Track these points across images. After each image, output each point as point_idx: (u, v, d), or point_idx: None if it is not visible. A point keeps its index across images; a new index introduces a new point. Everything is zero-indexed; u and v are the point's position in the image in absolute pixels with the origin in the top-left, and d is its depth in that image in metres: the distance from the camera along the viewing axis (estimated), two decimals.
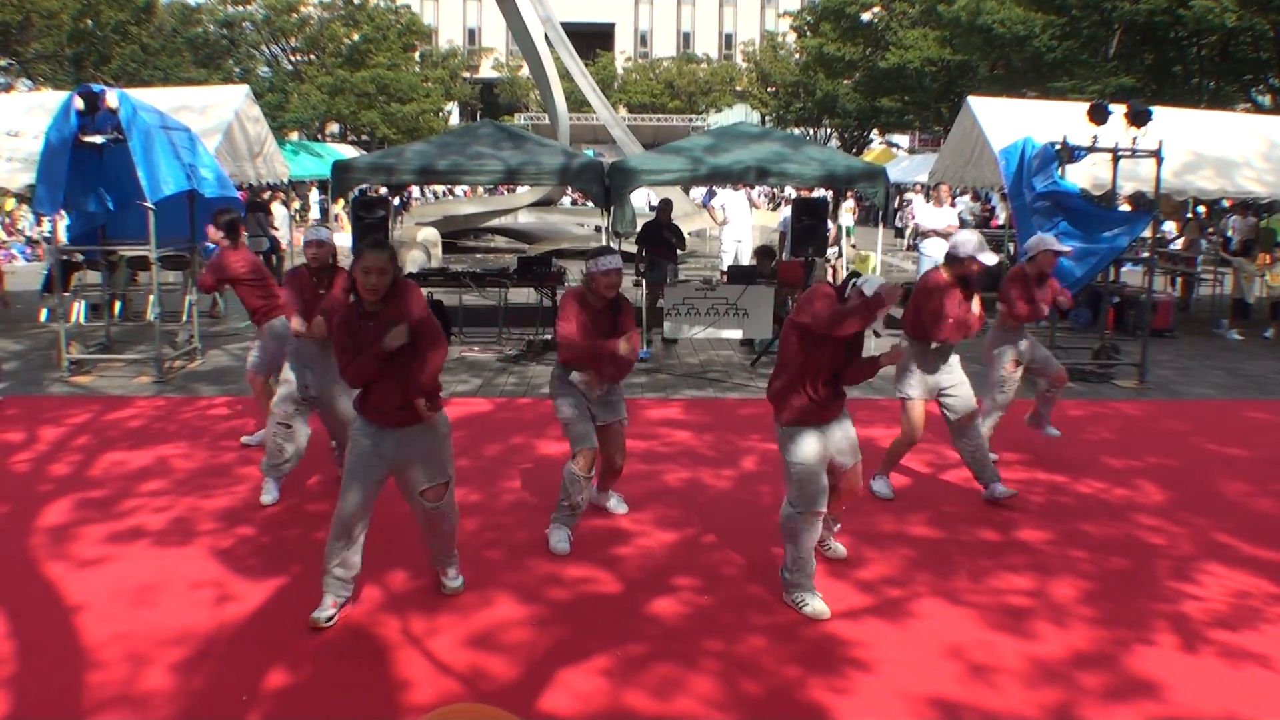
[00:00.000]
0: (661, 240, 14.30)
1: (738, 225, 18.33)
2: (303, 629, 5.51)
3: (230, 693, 4.87)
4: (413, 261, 16.63)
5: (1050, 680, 5.11)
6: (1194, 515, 7.60)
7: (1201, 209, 20.53)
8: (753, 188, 23.52)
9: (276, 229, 20.05)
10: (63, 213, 12.61)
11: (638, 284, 14.29)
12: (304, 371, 7.60)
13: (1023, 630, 5.67)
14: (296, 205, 23.29)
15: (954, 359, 7.69)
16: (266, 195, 22.20)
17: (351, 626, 5.58)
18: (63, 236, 13.53)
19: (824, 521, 6.33)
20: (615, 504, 7.53)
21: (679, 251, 14.97)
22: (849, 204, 23.57)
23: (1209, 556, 6.81)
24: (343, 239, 14.98)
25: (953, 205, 18.30)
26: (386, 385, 5.41)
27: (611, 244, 13.14)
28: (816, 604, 5.84)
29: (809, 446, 5.84)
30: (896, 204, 35.14)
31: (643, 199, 17.64)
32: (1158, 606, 6.01)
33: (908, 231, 26.71)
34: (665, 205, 15.32)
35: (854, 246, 18.24)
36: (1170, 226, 20.83)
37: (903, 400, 7.77)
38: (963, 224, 20.07)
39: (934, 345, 7.55)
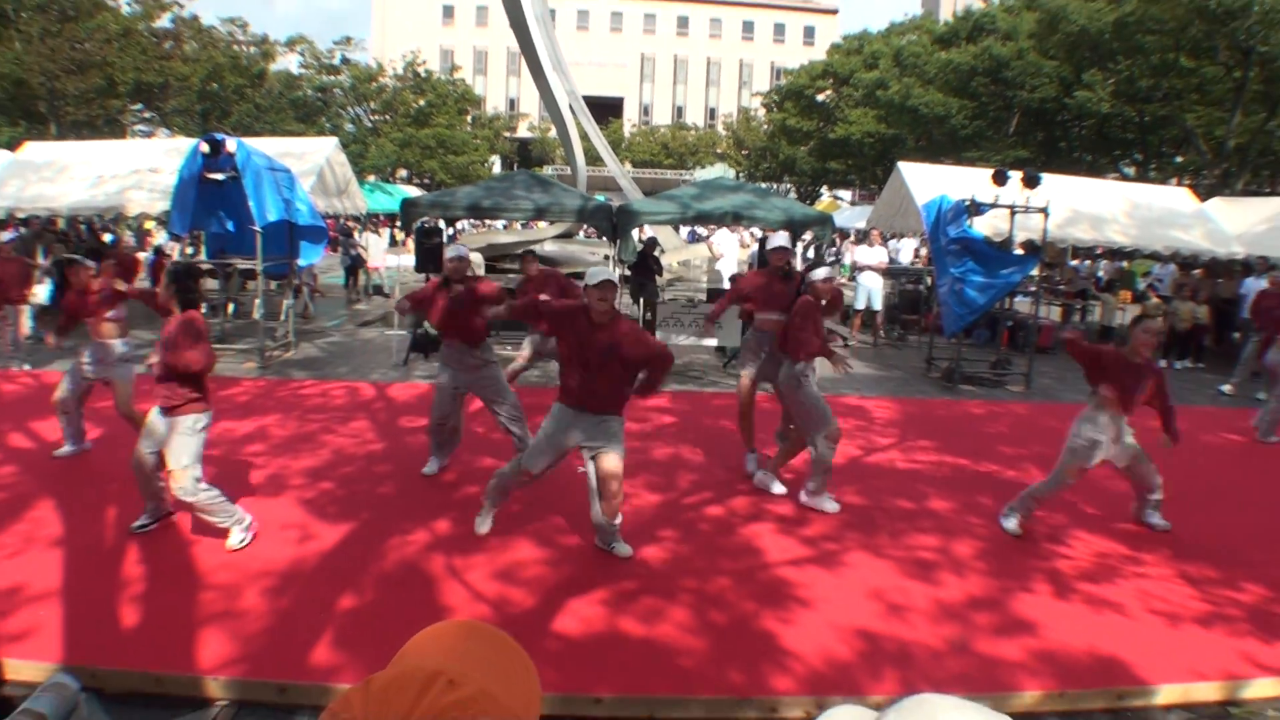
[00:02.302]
0: (646, 267, 14.45)
1: (730, 259, 18.73)
2: (369, 561, 5.52)
3: (310, 610, 4.87)
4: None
5: (951, 618, 5.12)
6: (1067, 492, 7.59)
7: (1099, 271, 20.49)
8: (743, 228, 23.52)
9: (362, 248, 20.11)
10: (200, 234, 12.67)
11: (635, 301, 14.35)
12: (448, 374, 7.27)
13: (930, 578, 5.67)
14: (387, 232, 23.39)
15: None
16: (354, 225, 22.29)
17: (406, 562, 5.58)
18: (189, 251, 13.52)
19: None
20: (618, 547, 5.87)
21: (659, 276, 15.11)
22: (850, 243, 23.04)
23: (1078, 525, 6.84)
24: (407, 259, 14.98)
25: (884, 246, 18.28)
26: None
27: (616, 270, 13.17)
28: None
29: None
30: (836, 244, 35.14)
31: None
32: (1036, 563, 6.02)
33: (848, 266, 26.67)
34: (650, 242, 15.48)
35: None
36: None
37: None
38: (891, 261, 20.09)
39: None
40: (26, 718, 2.96)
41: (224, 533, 5.80)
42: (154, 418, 5.76)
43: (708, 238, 30.16)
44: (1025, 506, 6.57)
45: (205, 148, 11.37)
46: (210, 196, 11.99)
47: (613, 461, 5.57)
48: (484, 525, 6.10)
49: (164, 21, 39.27)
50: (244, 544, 5.74)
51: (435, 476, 7.36)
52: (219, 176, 11.52)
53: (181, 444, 5.59)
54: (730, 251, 19.40)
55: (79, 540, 5.73)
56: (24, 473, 7.09)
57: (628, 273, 14.60)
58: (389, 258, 21.25)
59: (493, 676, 0.98)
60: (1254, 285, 14.36)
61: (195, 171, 11.43)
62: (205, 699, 4.14)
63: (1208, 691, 4.50)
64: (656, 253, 15.59)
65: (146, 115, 41.66)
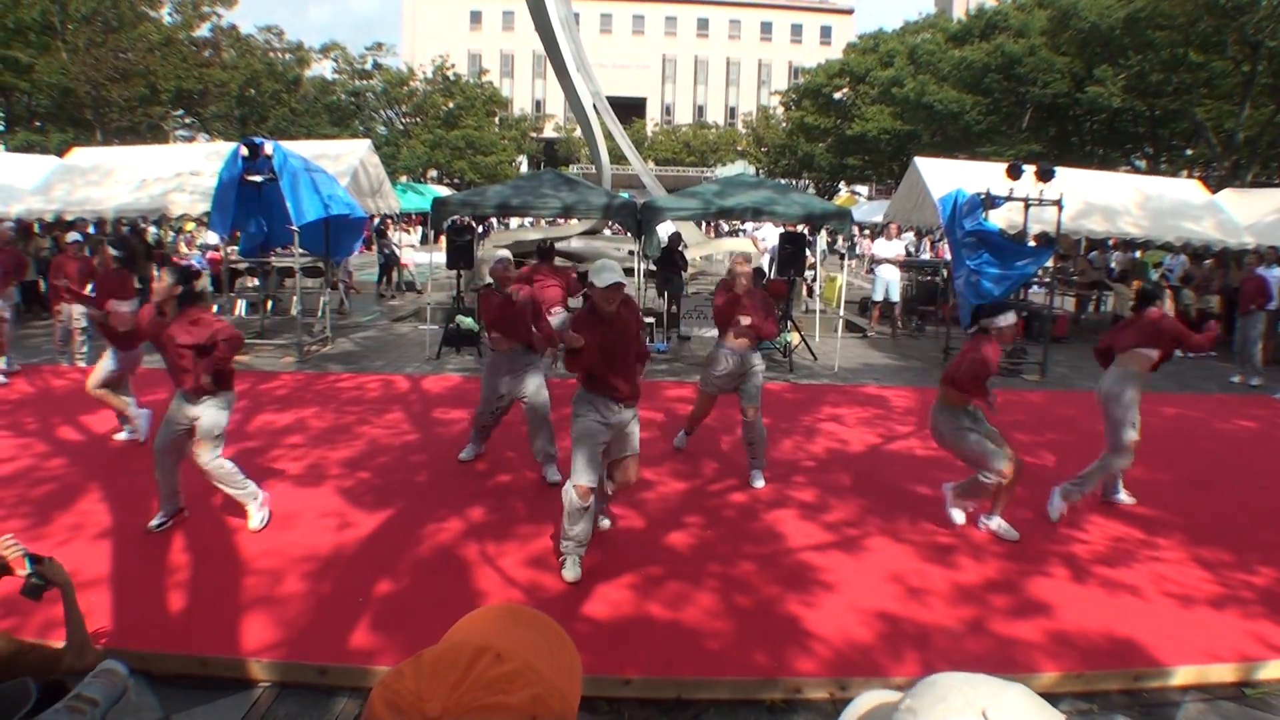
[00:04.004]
0: (672, 262, 14.42)
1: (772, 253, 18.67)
2: (406, 548, 5.54)
3: (349, 595, 4.89)
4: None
5: (968, 600, 5.08)
6: None
7: (1111, 262, 20.14)
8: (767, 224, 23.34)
9: (397, 246, 20.27)
10: (236, 234, 12.78)
11: (660, 295, 14.35)
12: (498, 381, 7.14)
13: (948, 562, 5.64)
14: (418, 232, 23.54)
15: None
16: (389, 225, 22.48)
17: (441, 548, 5.59)
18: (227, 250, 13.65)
19: None
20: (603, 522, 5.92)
21: (684, 271, 15.03)
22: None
23: (1093, 510, 6.77)
24: (439, 257, 15.03)
25: (900, 239, 18.20)
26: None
27: (642, 264, 13.15)
28: None
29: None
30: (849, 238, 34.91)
31: (666, 231, 17.66)
32: (1053, 547, 5.97)
33: (865, 258, 26.60)
34: (675, 237, 15.43)
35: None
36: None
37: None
38: (908, 254, 19.98)
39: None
40: (80, 703, 2.99)
41: (263, 520, 5.86)
42: (175, 404, 5.79)
43: (731, 233, 30.10)
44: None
45: (244, 151, 11.45)
46: (249, 198, 12.07)
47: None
48: (573, 573, 5.23)
49: (203, 31, 39.65)
50: (264, 523, 5.83)
51: (469, 465, 7.37)
52: (258, 178, 11.60)
53: (213, 417, 5.69)
54: (774, 245, 19.27)
55: (125, 529, 5.77)
56: (71, 465, 7.15)
57: (653, 267, 14.59)
58: (419, 255, 21.35)
59: (537, 654, 1.01)
60: (1264, 275, 14.17)
61: (235, 174, 11.52)
62: (249, 680, 4.17)
63: (1223, 673, 4.45)
64: (681, 248, 15.55)
65: (187, 121, 42.03)
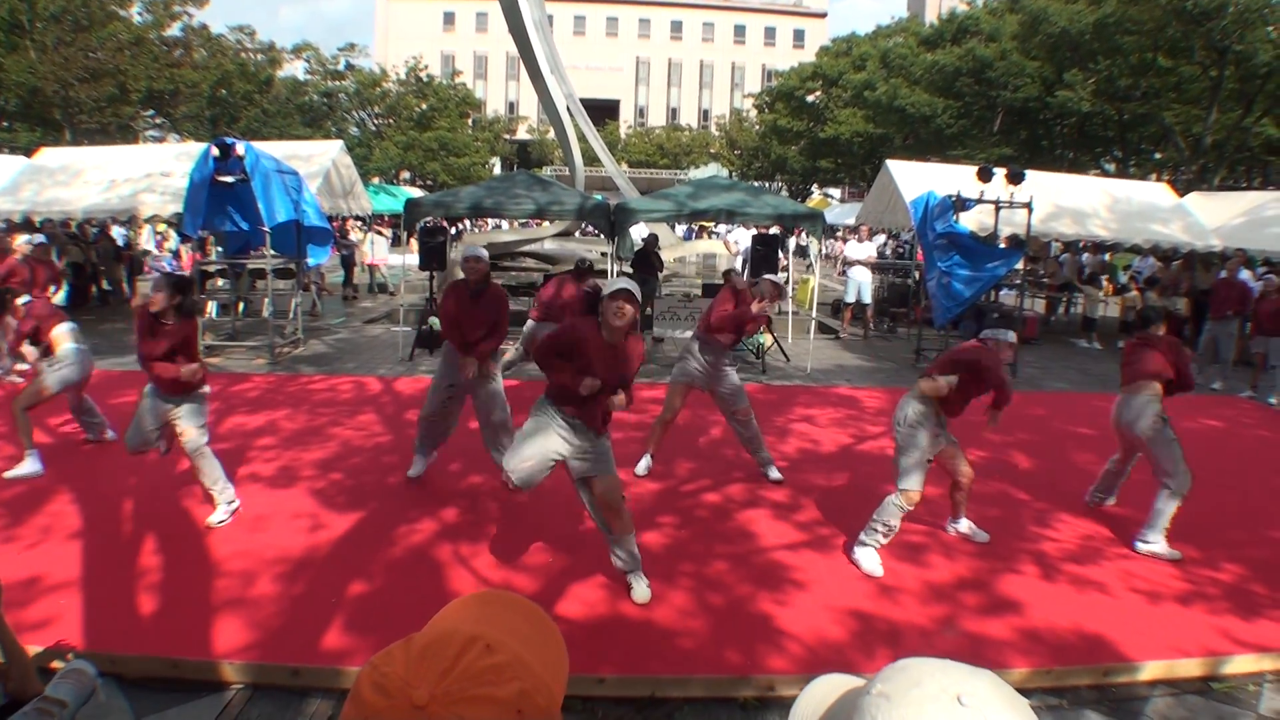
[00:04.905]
0: (648, 264, 14.43)
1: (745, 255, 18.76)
2: (378, 549, 5.52)
3: (322, 596, 4.87)
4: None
5: (939, 598, 5.12)
6: (1051, 478, 7.62)
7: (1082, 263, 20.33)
8: (742, 226, 23.38)
9: (360, 248, 20.16)
10: (208, 236, 12.68)
11: None
12: (448, 371, 6.87)
13: (920, 560, 5.68)
14: (388, 233, 23.37)
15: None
16: (354, 224, 22.35)
17: (413, 549, 5.58)
18: (202, 253, 13.52)
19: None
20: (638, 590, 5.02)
21: (660, 273, 15.06)
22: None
23: (1062, 508, 6.83)
24: (411, 259, 14.95)
25: (872, 241, 18.30)
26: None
27: (616, 265, 13.15)
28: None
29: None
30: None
31: (639, 233, 17.65)
32: (1022, 545, 6.03)
33: (838, 260, 26.73)
34: (651, 239, 15.42)
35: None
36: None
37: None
38: (881, 256, 20.08)
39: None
40: (48, 704, 2.96)
41: (236, 521, 5.83)
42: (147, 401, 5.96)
43: (701, 234, 30.12)
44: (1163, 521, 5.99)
45: (216, 152, 11.37)
46: (221, 199, 11.99)
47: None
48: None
49: (174, 30, 39.30)
50: (222, 523, 5.86)
51: (441, 466, 7.31)
52: (229, 179, 11.53)
53: (193, 410, 5.92)
54: (746, 248, 19.36)
55: (96, 532, 5.73)
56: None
57: (628, 269, 14.59)
58: (392, 256, 21.24)
59: (526, 646, 1.02)
60: (1245, 281, 14.23)
61: (206, 175, 11.44)
62: (221, 682, 4.14)
63: (1190, 668, 4.51)
64: (655, 250, 15.57)
65: (158, 121, 41.67)
